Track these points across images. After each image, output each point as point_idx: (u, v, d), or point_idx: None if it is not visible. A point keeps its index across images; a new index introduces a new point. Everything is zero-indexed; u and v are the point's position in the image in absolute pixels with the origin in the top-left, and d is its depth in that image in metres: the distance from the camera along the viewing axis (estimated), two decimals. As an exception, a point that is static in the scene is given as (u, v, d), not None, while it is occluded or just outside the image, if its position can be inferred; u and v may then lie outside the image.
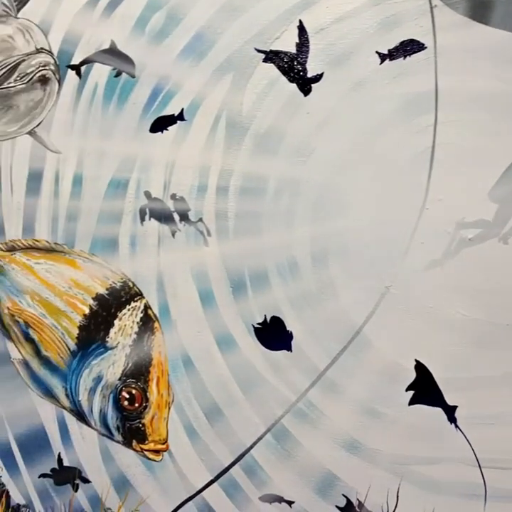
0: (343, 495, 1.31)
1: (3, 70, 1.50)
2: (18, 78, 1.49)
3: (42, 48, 1.49)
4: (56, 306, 1.48)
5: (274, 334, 1.34)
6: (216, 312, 1.38)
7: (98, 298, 1.46)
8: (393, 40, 1.24)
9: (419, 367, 1.25)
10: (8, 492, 1.56)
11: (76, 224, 1.48)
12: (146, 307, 1.44)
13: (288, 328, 1.33)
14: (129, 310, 1.44)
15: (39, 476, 1.54)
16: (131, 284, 1.45)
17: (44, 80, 1.49)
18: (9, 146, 1.53)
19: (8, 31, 1.51)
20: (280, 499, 1.36)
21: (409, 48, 1.24)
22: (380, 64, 1.25)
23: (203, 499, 1.41)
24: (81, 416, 1.48)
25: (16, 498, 1.56)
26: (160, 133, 1.41)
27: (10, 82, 1.50)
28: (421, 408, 1.25)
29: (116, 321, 1.44)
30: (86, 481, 1.50)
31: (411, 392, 1.26)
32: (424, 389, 1.24)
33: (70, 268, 1.49)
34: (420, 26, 1.23)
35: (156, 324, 1.43)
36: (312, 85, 1.30)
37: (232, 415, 1.38)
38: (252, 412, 1.36)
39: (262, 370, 1.35)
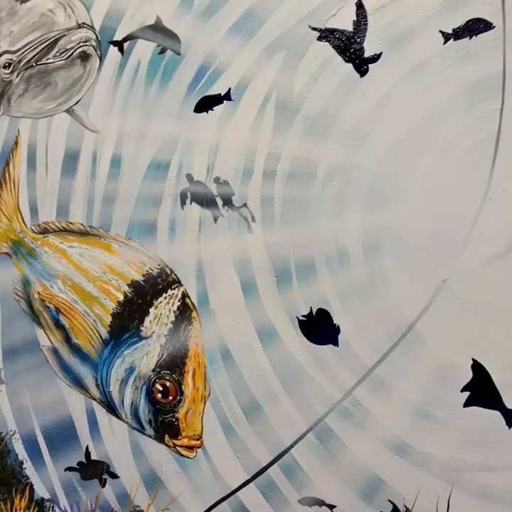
0: (390, 500, 1.24)
1: (43, 46, 1.45)
2: (58, 54, 1.45)
3: (83, 23, 1.44)
4: (89, 292, 1.43)
5: (319, 327, 1.28)
6: (258, 303, 1.32)
7: (133, 284, 1.40)
8: (458, 18, 1.19)
9: (477, 367, 1.18)
10: (32, 485, 1.52)
11: (113, 207, 1.44)
12: (184, 295, 1.38)
13: (335, 322, 1.27)
14: (165, 298, 1.38)
15: (65, 470, 1.50)
16: (168, 271, 1.39)
17: (84, 57, 1.44)
18: (46, 125, 1.49)
19: (48, 5, 1.47)
20: (321, 502, 1.29)
21: (475, 27, 1.18)
22: (444, 44, 1.20)
23: (237, 500, 1.35)
24: (111, 408, 1.43)
25: (40, 491, 1.51)
26: (205, 113, 1.36)
27: (49, 58, 1.45)
28: (477, 411, 1.19)
29: (151, 310, 1.38)
30: (114, 476, 1.45)
31: (466, 394, 1.19)
32: (481, 390, 1.18)
33: (104, 252, 1.44)
34: (489, 4, 1.17)
35: (193, 314, 1.37)
36: (369, 66, 1.24)
37: (272, 412, 1.32)
38: (294, 410, 1.30)
39: (306, 365, 1.29)
